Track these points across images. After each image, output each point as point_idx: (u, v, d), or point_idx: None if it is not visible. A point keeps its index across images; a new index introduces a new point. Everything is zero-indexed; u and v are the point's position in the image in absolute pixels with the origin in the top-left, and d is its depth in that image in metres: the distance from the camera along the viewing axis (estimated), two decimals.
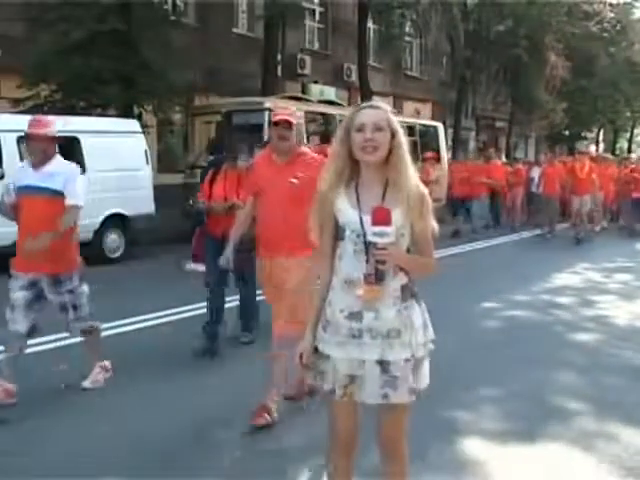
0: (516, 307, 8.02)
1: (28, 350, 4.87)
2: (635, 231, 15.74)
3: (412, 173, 2.63)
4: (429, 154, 15.26)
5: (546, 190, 15.58)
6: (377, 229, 2.51)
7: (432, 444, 4.05)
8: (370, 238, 2.54)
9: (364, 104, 2.68)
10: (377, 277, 2.55)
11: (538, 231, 15.74)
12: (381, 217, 2.52)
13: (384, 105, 2.68)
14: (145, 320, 7.01)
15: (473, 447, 4.07)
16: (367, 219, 2.55)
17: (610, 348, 6.37)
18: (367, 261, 2.58)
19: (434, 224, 2.68)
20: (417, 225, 2.61)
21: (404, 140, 2.63)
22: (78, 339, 5.15)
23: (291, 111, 4.43)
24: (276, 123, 4.32)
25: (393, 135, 2.60)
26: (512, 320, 7.41)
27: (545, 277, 10.00)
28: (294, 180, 4.25)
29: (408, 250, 2.67)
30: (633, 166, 17.07)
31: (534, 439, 4.19)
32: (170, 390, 5.04)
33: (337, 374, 2.63)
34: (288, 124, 4.30)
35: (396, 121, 2.64)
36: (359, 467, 2.93)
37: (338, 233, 2.66)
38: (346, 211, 2.62)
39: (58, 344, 5.80)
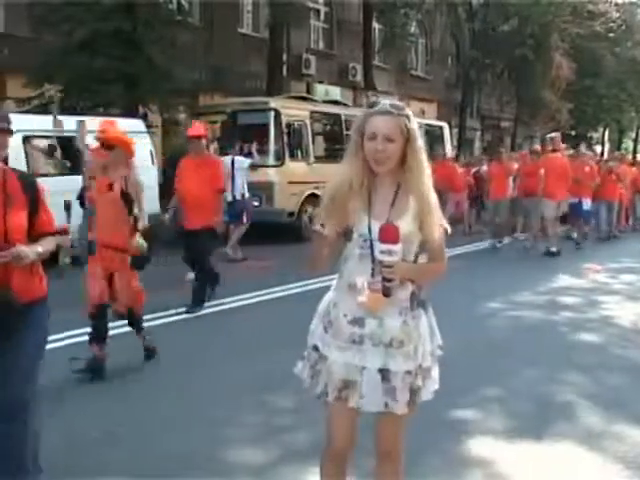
0: (521, 307, 7.99)
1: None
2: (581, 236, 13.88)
3: (426, 178, 2.56)
4: None
5: (492, 194, 13.44)
6: (384, 247, 2.44)
7: (437, 444, 4.04)
8: (377, 256, 2.47)
9: (377, 108, 2.52)
10: (384, 293, 2.49)
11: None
12: (389, 235, 2.44)
13: (398, 107, 2.52)
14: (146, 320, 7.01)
15: (478, 447, 4.06)
16: (376, 225, 2.49)
17: (616, 348, 6.34)
18: (373, 268, 2.52)
19: (446, 225, 2.61)
20: (432, 232, 2.54)
21: (420, 144, 2.54)
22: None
23: None
24: None
25: (407, 140, 2.51)
26: (517, 320, 7.39)
27: (549, 277, 9.97)
28: None
29: (416, 257, 2.59)
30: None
31: (540, 439, 4.17)
32: (170, 392, 5.05)
33: (331, 377, 2.59)
34: None
35: (412, 125, 2.52)
36: (360, 467, 2.92)
37: (346, 234, 2.60)
38: (356, 213, 2.56)
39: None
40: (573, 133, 35.78)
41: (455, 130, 26.99)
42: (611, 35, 34.64)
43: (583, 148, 17.00)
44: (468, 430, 4.31)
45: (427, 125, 19.11)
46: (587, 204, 13.78)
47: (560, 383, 5.28)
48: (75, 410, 4.58)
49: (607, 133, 43.76)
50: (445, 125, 20.07)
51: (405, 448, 2.80)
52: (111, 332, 5.41)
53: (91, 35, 12.64)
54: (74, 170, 10.79)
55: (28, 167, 9.97)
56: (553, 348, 6.30)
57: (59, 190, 10.08)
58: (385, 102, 2.54)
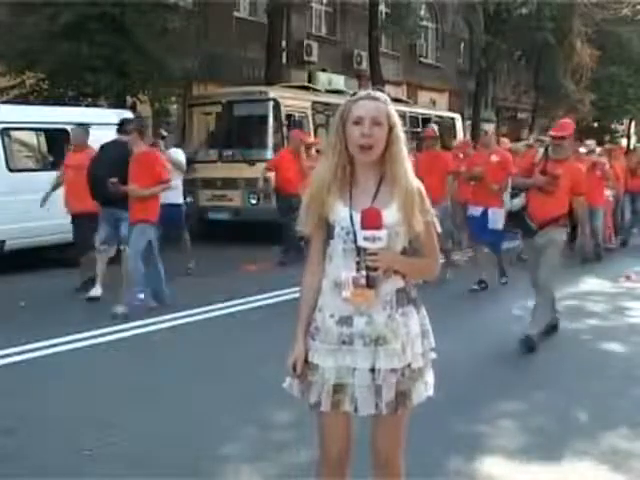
0: None
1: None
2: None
3: (408, 168, 2.65)
4: None
5: None
6: (368, 233, 2.51)
7: (448, 460, 4.04)
8: (360, 243, 2.54)
9: (361, 93, 2.67)
10: (368, 283, 2.54)
11: None
12: (371, 220, 2.51)
13: (383, 95, 2.67)
14: (140, 327, 7.03)
15: (492, 464, 4.05)
16: (358, 216, 2.56)
17: None
18: (358, 262, 2.58)
19: (436, 222, 2.68)
20: (416, 223, 2.60)
21: (402, 133, 2.65)
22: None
23: None
24: None
25: (391, 129, 2.61)
26: None
27: (570, 281, 9.93)
28: None
29: (404, 250, 2.66)
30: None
31: (559, 457, 4.17)
32: (166, 407, 5.05)
33: (326, 384, 2.62)
34: None
35: (395, 113, 2.65)
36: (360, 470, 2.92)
37: (329, 232, 2.66)
38: (336, 207, 2.63)
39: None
40: (596, 125, 35.74)
41: (468, 122, 26.97)
42: (638, 18, 34.56)
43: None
44: (481, 447, 4.30)
45: (438, 116, 19.14)
46: (497, 219, 8.81)
47: (582, 396, 5.28)
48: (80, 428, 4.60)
49: (633, 125, 43.64)
50: (457, 116, 20.09)
51: (410, 464, 2.81)
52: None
53: (76, 19, 12.64)
54: (58, 166, 10.81)
55: (7, 162, 9.95)
56: (575, 358, 6.30)
57: (41, 187, 10.13)
58: (367, 91, 2.68)
